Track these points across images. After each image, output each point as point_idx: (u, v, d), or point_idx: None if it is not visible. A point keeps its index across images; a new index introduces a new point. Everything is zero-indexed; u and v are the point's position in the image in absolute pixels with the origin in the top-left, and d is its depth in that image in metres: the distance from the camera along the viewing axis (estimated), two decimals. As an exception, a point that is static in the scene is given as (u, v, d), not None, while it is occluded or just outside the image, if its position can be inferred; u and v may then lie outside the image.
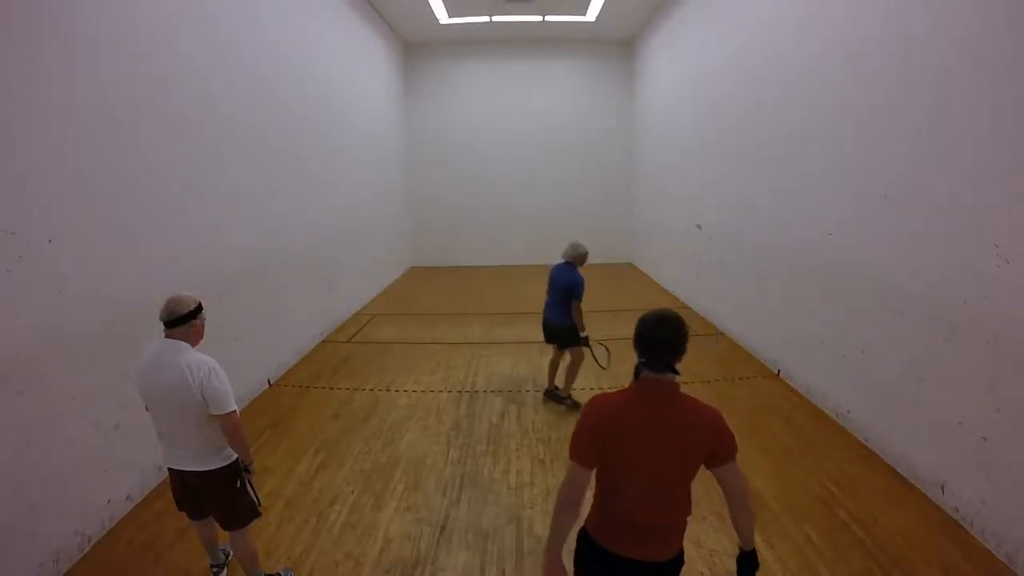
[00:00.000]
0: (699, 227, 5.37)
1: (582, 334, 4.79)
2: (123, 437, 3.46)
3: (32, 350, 2.88)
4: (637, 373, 1.79)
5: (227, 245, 4.90)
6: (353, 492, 3.74)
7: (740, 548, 1.85)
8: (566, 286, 4.77)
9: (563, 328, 4.85)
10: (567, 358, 5.06)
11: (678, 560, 1.86)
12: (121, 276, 3.55)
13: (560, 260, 5.01)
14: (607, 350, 4.92)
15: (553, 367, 5.24)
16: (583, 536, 1.94)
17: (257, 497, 2.72)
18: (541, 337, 7.23)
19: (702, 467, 1.77)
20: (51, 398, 3.00)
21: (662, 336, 1.75)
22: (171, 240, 4.08)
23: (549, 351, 6.62)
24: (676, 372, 1.77)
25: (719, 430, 1.76)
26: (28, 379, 2.85)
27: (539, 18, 10.54)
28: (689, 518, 1.85)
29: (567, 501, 1.78)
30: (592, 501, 1.93)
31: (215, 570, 2.94)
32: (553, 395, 5.15)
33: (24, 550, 2.79)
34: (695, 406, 1.78)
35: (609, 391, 1.89)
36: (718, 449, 1.75)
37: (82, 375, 3.20)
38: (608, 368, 4.91)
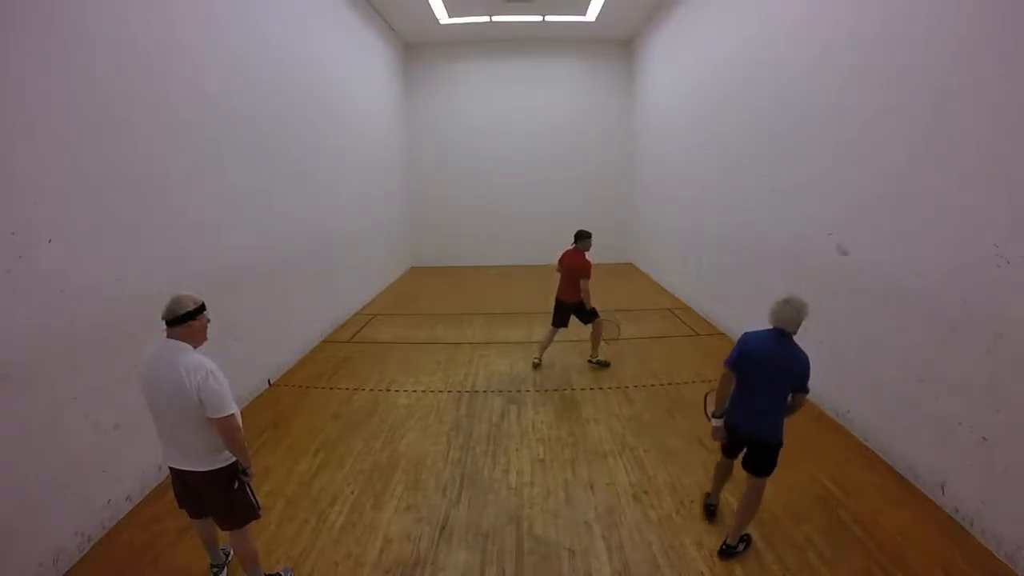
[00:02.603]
0: (843, 252, 4.15)
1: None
2: (123, 437, 3.46)
3: (32, 350, 2.88)
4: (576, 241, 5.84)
5: (227, 245, 4.90)
6: (353, 492, 3.74)
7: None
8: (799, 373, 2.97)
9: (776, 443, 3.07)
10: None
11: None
12: (121, 276, 3.55)
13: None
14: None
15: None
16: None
17: (256, 499, 2.71)
18: (541, 337, 7.24)
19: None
20: (51, 398, 3.00)
21: (580, 233, 5.80)
22: (171, 240, 4.08)
23: (549, 350, 6.66)
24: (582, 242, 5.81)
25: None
26: (28, 379, 2.85)
27: (539, 18, 10.54)
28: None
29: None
30: None
31: (215, 570, 2.93)
32: None
33: (24, 550, 2.79)
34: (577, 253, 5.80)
35: None
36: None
37: (82, 375, 3.20)
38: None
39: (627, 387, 5.44)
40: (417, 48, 12.24)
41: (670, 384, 5.51)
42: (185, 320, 2.46)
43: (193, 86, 4.39)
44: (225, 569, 2.96)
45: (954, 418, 3.35)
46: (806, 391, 2.95)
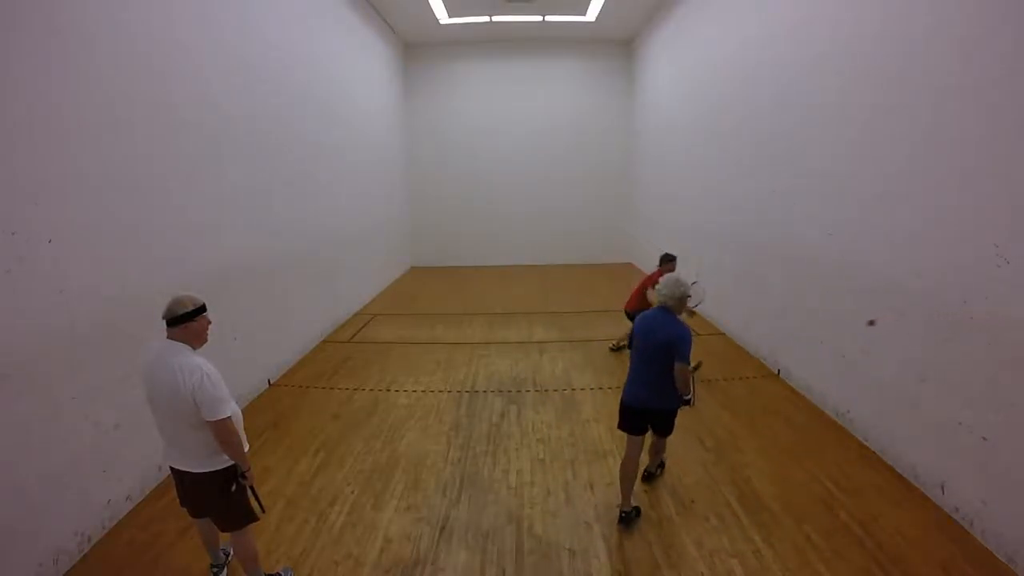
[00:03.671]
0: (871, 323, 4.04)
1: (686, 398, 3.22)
2: (123, 437, 3.46)
3: (32, 350, 2.88)
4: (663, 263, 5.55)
5: (227, 245, 4.90)
6: (353, 492, 3.74)
7: None
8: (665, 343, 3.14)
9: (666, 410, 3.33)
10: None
11: None
12: (121, 276, 3.55)
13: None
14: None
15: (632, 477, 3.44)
16: None
17: (259, 502, 2.70)
18: (541, 337, 7.28)
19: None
20: (51, 398, 3.00)
21: (664, 256, 5.71)
22: (171, 240, 4.08)
23: (549, 350, 6.68)
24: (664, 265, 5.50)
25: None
26: (28, 379, 2.85)
27: (539, 18, 10.55)
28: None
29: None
30: None
31: (215, 570, 2.93)
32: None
33: (24, 550, 2.79)
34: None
35: None
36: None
37: (82, 375, 3.20)
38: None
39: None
40: (417, 48, 12.24)
41: (670, 384, 5.51)
42: (183, 321, 2.46)
43: (193, 86, 4.39)
44: (225, 569, 2.96)
45: (954, 418, 3.35)
46: (682, 361, 3.04)
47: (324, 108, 7.49)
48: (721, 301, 7.45)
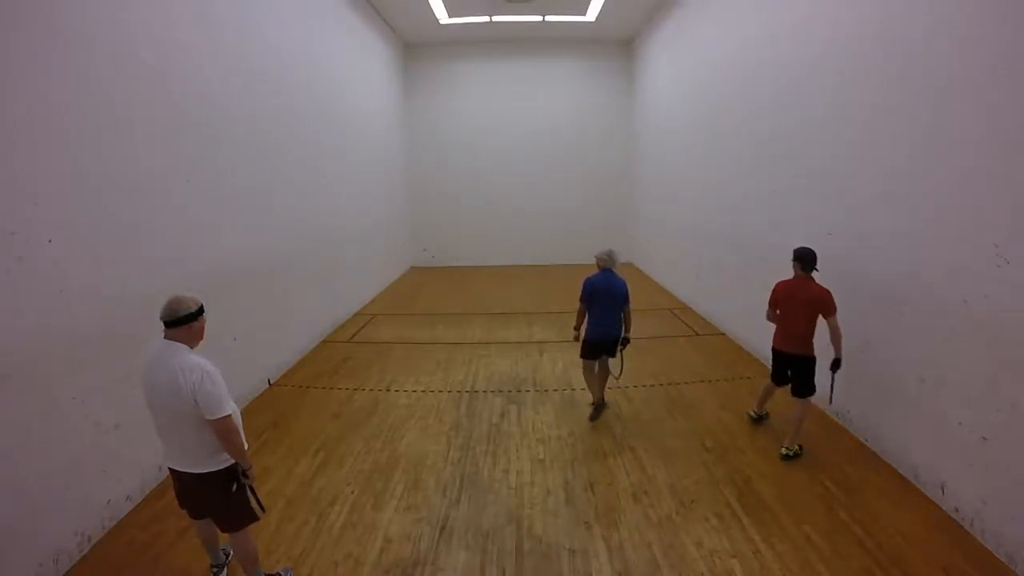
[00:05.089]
0: None
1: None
2: (123, 437, 3.46)
3: (32, 350, 2.88)
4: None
5: (227, 245, 4.90)
6: (353, 492, 3.74)
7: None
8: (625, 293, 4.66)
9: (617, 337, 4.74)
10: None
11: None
12: (121, 276, 3.55)
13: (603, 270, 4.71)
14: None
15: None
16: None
17: (259, 501, 2.70)
18: (541, 337, 7.29)
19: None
20: (51, 398, 3.00)
21: (803, 253, 4.09)
22: (171, 240, 4.08)
23: (549, 350, 6.69)
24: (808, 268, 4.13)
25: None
26: (28, 379, 2.85)
27: (539, 18, 10.55)
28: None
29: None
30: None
31: (215, 570, 2.93)
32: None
33: (24, 550, 2.79)
34: None
35: None
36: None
37: (82, 375, 3.20)
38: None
39: (627, 387, 5.43)
40: (417, 48, 12.24)
41: (670, 384, 5.51)
42: (187, 321, 2.46)
43: (193, 86, 4.39)
44: (225, 569, 2.96)
45: (954, 418, 3.35)
46: (628, 305, 4.64)
47: (324, 108, 7.49)
48: (721, 301, 7.45)
